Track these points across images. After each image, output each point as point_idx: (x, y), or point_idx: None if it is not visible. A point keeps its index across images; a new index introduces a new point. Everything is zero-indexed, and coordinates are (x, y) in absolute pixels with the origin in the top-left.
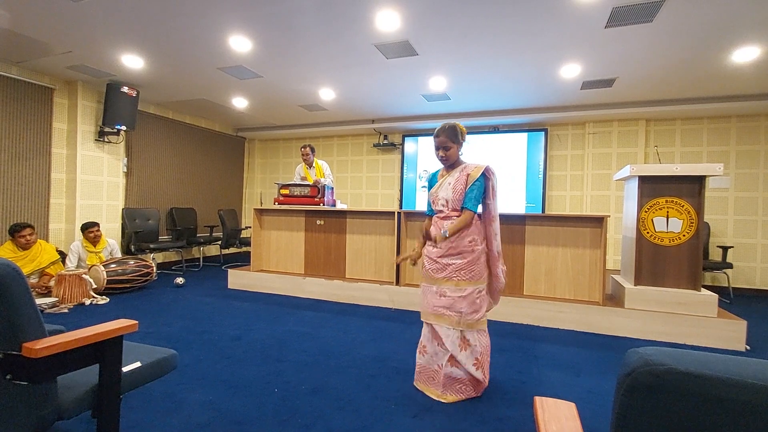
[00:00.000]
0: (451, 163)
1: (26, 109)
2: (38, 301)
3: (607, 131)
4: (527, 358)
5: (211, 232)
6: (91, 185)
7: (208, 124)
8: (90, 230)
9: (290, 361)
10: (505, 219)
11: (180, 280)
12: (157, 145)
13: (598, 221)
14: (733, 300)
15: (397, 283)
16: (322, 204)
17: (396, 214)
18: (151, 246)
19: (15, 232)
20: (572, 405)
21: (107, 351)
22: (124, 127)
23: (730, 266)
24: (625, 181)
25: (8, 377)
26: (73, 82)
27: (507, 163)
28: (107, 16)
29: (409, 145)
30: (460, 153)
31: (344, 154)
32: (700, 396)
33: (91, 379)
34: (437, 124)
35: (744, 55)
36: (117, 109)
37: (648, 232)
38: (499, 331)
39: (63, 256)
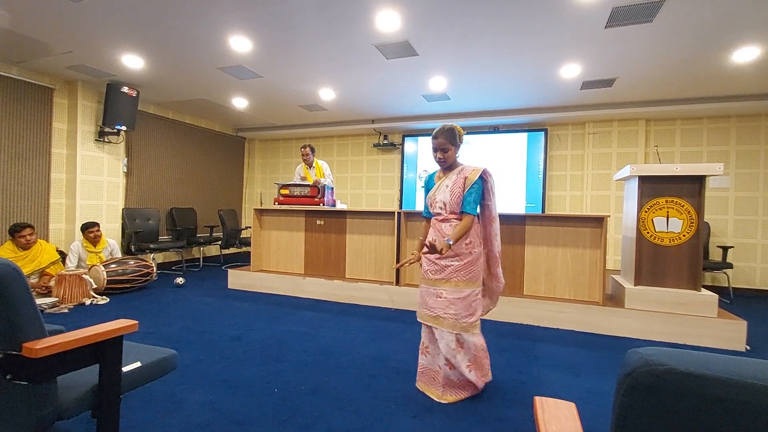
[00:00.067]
0: (448, 165)
1: (26, 109)
2: (38, 301)
3: (607, 131)
4: (527, 358)
5: (211, 232)
6: (91, 185)
7: (208, 124)
8: (90, 230)
9: (290, 361)
10: (505, 219)
11: (180, 280)
12: (157, 145)
13: (598, 221)
14: (734, 300)
15: (397, 283)
16: (322, 204)
17: (396, 214)
18: (151, 246)
19: (15, 232)
20: (572, 405)
21: (107, 351)
22: (124, 127)
23: (730, 266)
24: (625, 181)
25: (8, 377)
26: (73, 82)
27: (507, 163)
28: (107, 16)
29: (409, 145)
30: (457, 155)
31: (344, 154)
32: (700, 396)
33: (91, 379)
34: (437, 124)
35: (744, 55)
36: (117, 109)
37: (648, 232)
38: (499, 331)
39: (63, 256)
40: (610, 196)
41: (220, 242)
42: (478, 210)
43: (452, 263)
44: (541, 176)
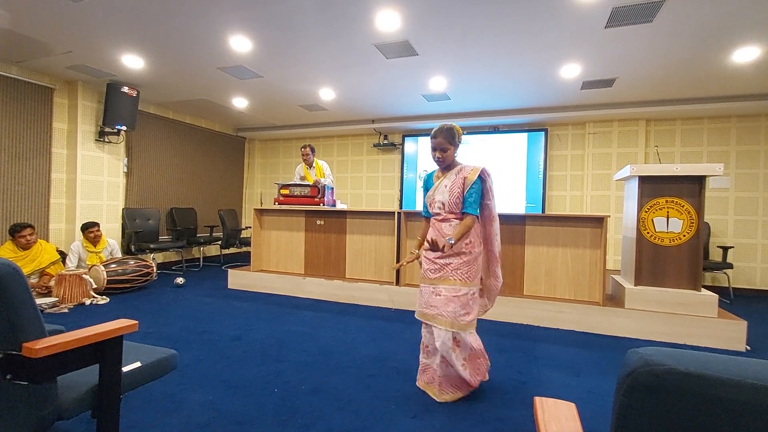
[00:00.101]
0: (447, 164)
1: (26, 109)
2: (38, 301)
3: (607, 131)
4: (527, 359)
5: (211, 232)
6: (91, 185)
7: (208, 124)
8: (90, 230)
9: (290, 361)
10: (505, 219)
11: (180, 280)
12: (157, 145)
13: (598, 221)
14: (734, 300)
15: (397, 283)
16: (322, 204)
17: (396, 214)
18: (152, 246)
19: (15, 232)
20: (572, 405)
21: (107, 351)
22: (124, 127)
23: (731, 266)
24: (625, 181)
25: (8, 377)
26: (74, 82)
27: (507, 163)
28: (107, 16)
29: (409, 145)
30: (455, 155)
31: (344, 154)
32: (701, 396)
33: (91, 379)
34: (437, 124)
35: (744, 55)
36: (117, 109)
37: (648, 233)
38: (499, 331)
39: (63, 256)
40: (610, 196)
41: (220, 242)
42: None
43: (451, 262)
44: (541, 176)
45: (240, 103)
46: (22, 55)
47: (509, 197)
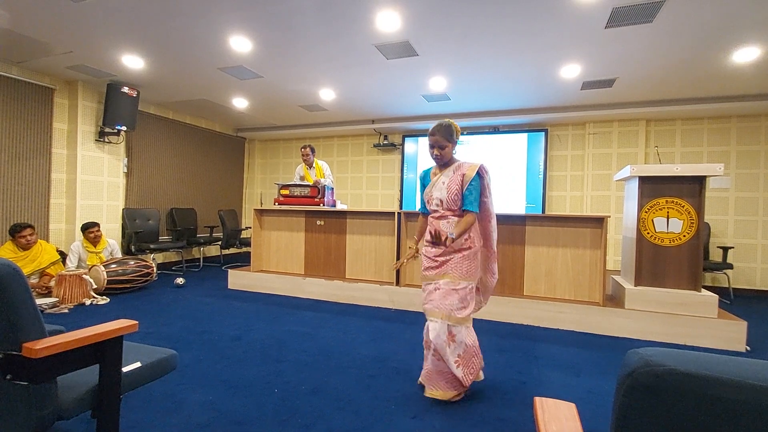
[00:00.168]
0: (444, 161)
1: (26, 109)
2: (38, 301)
3: (607, 131)
4: (527, 359)
5: (211, 233)
6: (91, 185)
7: (208, 125)
8: (90, 230)
9: (290, 361)
10: (505, 219)
11: (180, 281)
12: (157, 146)
13: (599, 222)
14: (734, 300)
15: (397, 283)
16: (322, 204)
17: (396, 214)
18: (152, 246)
19: (15, 232)
20: (572, 405)
21: (107, 351)
22: (124, 128)
23: (731, 267)
24: (625, 181)
25: (8, 377)
26: (74, 82)
27: (507, 164)
28: (107, 16)
29: (409, 146)
30: (453, 152)
31: (344, 154)
32: (701, 397)
33: (91, 379)
34: None
35: (744, 55)
36: (117, 110)
37: (648, 233)
38: (499, 331)
39: (63, 256)
40: (611, 197)
41: (220, 242)
42: None
43: (452, 257)
44: (541, 176)
45: (240, 103)
46: (22, 56)
47: (509, 197)
